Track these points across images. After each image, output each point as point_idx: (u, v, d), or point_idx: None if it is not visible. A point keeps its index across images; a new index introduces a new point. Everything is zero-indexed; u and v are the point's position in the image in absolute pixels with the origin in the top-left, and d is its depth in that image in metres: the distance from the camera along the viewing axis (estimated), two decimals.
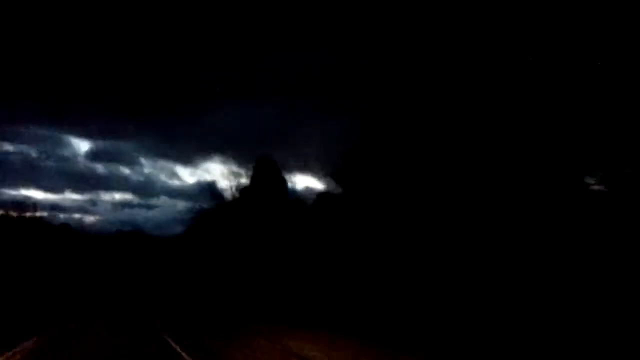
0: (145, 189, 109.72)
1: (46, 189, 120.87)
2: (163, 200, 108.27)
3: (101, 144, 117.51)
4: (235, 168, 41.57)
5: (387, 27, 23.35)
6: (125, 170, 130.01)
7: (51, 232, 43.49)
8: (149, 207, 78.08)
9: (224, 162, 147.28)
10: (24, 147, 70.93)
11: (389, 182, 22.97)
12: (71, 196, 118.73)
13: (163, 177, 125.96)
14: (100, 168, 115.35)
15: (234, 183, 39.61)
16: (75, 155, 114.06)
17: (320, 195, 31.72)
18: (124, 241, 58.55)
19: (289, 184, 37.37)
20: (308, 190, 37.20)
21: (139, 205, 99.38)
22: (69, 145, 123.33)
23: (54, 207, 69.69)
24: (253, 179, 37.96)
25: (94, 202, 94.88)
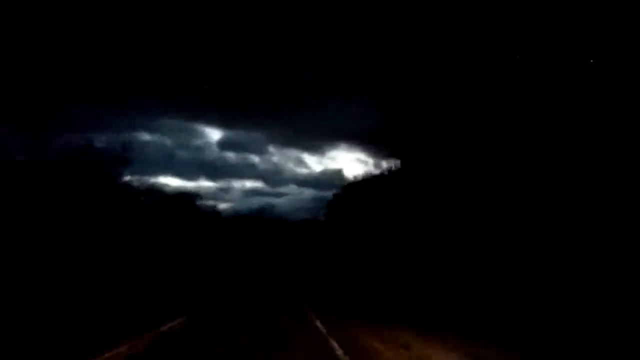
0: (274, 177, 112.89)
1: (181, 176, 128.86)
2: (291, 188, 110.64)
3: (232, 133, 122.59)
4: (362, 156, 41.20)
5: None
6: (255, 159, 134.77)
7: (191, 217, 45.73)
8: (278, 195, 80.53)
9: (350, 150, 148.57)
10: (159, 137, 75.50)
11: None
12: (205, 184, 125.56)
13: (291, 165, 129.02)
14: (231, 156, 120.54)
15: (361, 171, 39.70)
16: (207, 144, 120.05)
17: None
18: (256, 226, 60.80)
19: None
20: None
21: (268, 194, 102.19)
22: (201, 134, 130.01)
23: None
24: None
25: (225, 190, 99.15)
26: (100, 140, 28.13)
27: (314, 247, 55.51)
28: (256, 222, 62.17)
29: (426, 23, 25.39)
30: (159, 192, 40.48)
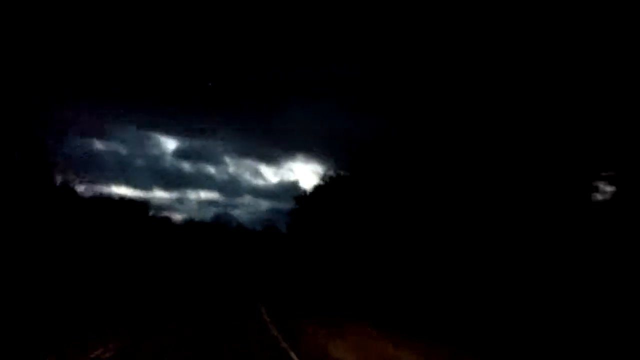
0: (230, 187, 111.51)
1: (136, 186, 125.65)
2: (247, 198, 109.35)
3: (187, 142, 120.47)
4: (317, 168, 41.27)
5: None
6: (211, 169, 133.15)
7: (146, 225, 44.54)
8: (234, 206, 79.35)
9: (306, 162, 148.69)
10: (114, 145, 73.29)
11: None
12: (160, 194, 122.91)
13: (247, 176, 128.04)
14: (187, 167, 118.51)
15: (315, 182, 40.09)
16: (163, 153, 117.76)
17: None
18: (212, 233, 59.84)
19: None
20: None
21: (224, 204, 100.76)
22: (157, 143, 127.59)
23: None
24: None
25: (180, 201, 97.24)
26: (52, 144, 26.91)
27: (270, 254, 55.28)
28: (211, 228, 61.19)
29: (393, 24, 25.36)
30: (109, 201, 39.27)
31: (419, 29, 24.27)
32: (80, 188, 31.70)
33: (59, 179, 28.78)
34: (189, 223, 61.27)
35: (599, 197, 16.03)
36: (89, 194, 33.79)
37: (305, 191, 43.62)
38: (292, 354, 11.02)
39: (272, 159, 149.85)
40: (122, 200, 42.63)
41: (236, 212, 74.37)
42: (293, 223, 47.53)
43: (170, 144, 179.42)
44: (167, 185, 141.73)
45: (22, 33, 20.64)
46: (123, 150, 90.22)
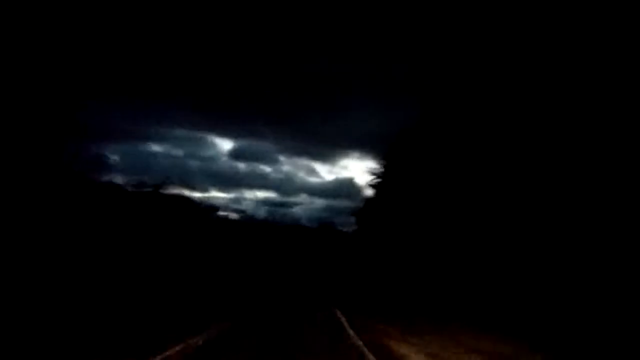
0: (285, 186, 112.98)
1: (193, 187, 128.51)
2: (303, 197, 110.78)
3: (243, 143, 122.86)
4: (373, 165, 41.51)
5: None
6: (266, 169, 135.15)
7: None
8: (290, 205, 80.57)
9: (361, 159, 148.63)
10: (171, 148, 75.70)
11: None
12: (217, 194, 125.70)
13: (302, 175, 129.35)
14: (242, 167, 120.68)
15: (371, 179, 40.21)
16: (219, 154, 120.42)
17: None
18: (269, 230, 60.97)
19: None
20: None
21: (281, 204, 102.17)
22: (212, 145, 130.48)
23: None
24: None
25: (238, 200, 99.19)
26: (113, 150, 28.43)
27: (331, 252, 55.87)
28: (269, 226, 62.54)
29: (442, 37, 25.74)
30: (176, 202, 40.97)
31: (464, 27, 24.56)
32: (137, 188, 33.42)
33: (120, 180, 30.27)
34: (246, 221, 62.74)
35: None
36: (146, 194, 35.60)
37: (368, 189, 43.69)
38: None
39: (326, 157, 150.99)
40: (187, 200, 44.39)
41: (292, 210, 75.58)
42: (359, 222, 47.78)
43: (225, 144, 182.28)
44: (223, 186, 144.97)
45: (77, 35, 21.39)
46: (180, 152, 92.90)
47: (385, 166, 38.95)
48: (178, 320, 15.38)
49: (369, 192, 43.81)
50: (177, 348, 10.57)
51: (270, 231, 61.40)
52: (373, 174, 40.76)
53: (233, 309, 19.84)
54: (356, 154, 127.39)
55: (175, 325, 14.06)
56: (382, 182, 40.14)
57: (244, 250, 52.55)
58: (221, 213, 58.17)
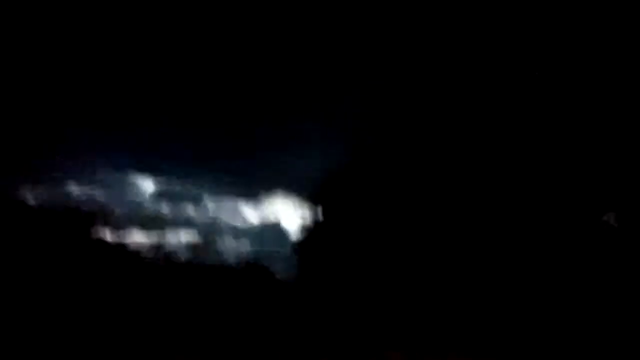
0: (210, 228, 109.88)
1: (114, 230, 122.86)
2: (228, 240, 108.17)
3: (165, 184, 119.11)
4: (299, 207, 41.62)
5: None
6: (191, 212, 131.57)
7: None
8: (215, 249, 78.61)
9: (287, 202, 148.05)
10: (90, 189, 72.54)
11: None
12: (137, 236, 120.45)
13: (226, 217, 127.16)
14: (166, 208, 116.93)
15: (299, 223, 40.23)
16: (140, 196, 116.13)
17: None
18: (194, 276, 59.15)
19: None
20: None
21: (204, 246, 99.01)
22: (135, 187, 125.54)
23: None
24: None
25: (158, 243, 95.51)
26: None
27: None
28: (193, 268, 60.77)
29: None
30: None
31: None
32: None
33: None
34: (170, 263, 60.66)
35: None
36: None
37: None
38: None
39: (252, 199, 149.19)
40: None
41: (218, 254, 73.79)
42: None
43: (148, 186, 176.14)
44: (144, 227, 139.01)
45: None
46: (101, 193, 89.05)
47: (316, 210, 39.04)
48: None
49: (297, 236, 43.79)
50: None
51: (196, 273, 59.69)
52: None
53: None
54: (283, 196, 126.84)
55: None
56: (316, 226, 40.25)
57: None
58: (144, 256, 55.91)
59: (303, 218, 41.01)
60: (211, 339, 31.26)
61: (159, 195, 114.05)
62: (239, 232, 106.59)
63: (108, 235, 41.45)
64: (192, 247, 65.25)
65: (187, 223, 79.15)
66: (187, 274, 60.70)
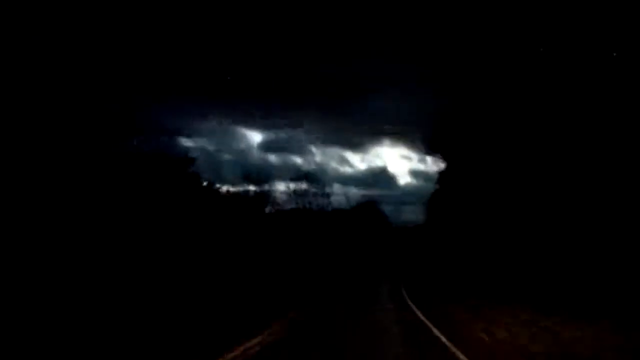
0: (318, 177, 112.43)
1: (225, 181, 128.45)
2: (336, 187, 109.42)
3: (272, 135, 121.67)
4: (405, 152, 40.71)
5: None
6: (297, 160, 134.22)
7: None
8: (324, 196, 79.54)
9: (393, 146, 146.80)
10: (202, 141, 74.95)
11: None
12: (250, 187, 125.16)
13: (334, 165, 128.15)
14: (273, 158, 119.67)
15: (405, 167, 39.62)
16: (249, 147, 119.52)
17: None
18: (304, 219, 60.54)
19: None
20: None
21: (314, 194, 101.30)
22: (243, 137, 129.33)
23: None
24: None
25: (269, 193, 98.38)
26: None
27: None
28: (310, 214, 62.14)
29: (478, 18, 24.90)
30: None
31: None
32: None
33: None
34: (281, 213, 62.01)
35: None
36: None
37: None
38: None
39: (358, 146, 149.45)
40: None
41: (327, 201, 74.66)
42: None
43: (255, 137, 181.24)
44: (255, 179, 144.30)
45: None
46: (210, 146, 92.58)
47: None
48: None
49: (403, 180, 43.89)
50: None
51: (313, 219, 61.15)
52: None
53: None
54: (388, 142, 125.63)
55: None
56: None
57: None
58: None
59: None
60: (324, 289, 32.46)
61: (265, 145, 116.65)
62: (346, 177, 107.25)
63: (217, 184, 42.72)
64: (299, 194, 66.84)
65: (294, 171, 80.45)
66: (296, 220, 62.40)
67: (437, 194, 44.15)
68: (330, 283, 37.60)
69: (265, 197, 54.02)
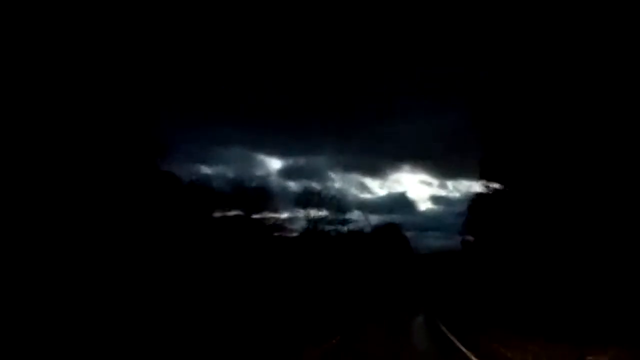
0: (338, 203, 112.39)
1: (245, 208, 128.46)
2: (356, 214, 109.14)
3: (292, 161, 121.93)
4: (426, 177, 40.41)
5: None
6: (317, 186, 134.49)
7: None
8: (343, 222, 79.22)
9: (412, 172, 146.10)
10: (220, 169, 75.17)
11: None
12: (270, 215, 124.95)
13: (354, 191, 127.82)
14: (292, 185, 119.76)
15: (425, 193, 39.25)
16: (268, 174, 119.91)
17: None
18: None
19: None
20: None
21: (334, 221, 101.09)
22: (262, 164, 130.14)
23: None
24: None
25: (290, 220, 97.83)
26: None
27: None
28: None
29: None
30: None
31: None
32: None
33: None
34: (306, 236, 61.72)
35: None
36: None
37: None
38: None
39: (377, 172, 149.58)
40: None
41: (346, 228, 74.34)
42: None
43: (274, 163, 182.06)
44: (276, 206, 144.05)
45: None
46: (230, 172, 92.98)
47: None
48: None
49: (424, 205, 43.33)
50: None
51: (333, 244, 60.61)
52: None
53: None
54: (407, 167, 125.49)
55: None
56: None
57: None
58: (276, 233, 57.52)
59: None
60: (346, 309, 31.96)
61: (285, 172, 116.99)
62: (366, 204, 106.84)
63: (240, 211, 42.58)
64: (321, 220, 66.49)
65: (314, 197, 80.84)
66: (318, 246, 62.11)
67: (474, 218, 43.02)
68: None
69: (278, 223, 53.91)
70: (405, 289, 74.47)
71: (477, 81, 28.01)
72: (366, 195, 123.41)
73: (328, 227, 64.31)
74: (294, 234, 58.18)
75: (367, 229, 69.53)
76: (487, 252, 39.70)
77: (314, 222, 62.71)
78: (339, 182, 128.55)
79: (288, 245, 50.66)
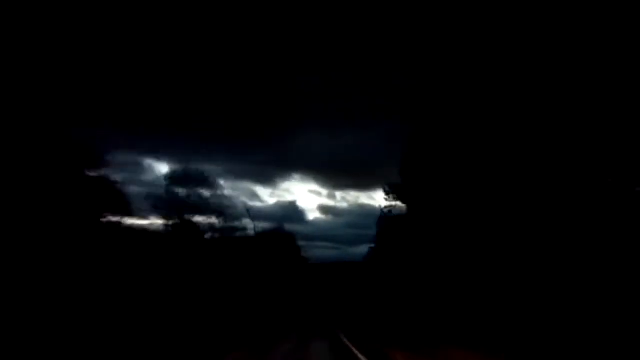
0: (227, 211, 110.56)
1: (132, 214, 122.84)
2: (245, 222, 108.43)
3: (180, 167, 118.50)
4: (315, 187, 41.19)
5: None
6: (206, 193, 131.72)
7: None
8: (232, 230, 77.78)
9: (302, 181, 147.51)
10: (108, 172, 71.63)
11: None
12: (157, 221, 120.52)
13: (243, 199, 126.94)
14: (181, 192, 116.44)
15: (314, 202, 39.94)
16: (156, 179, 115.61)
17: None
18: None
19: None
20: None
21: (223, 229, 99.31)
22: (150, 169, 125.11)
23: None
24: None
25: (177, 227, 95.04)
26: None
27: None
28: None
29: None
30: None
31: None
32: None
33: None
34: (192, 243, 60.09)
35: None
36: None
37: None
38: None
39: (267, 180, 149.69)
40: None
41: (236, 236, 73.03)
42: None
43: (162, 168, 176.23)
44: (163, 212, 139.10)
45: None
46: (118, 177, 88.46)
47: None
48: None
49: (312, 215, 43.84)
50: None
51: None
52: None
53: None
54: (297, 177, 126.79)
55: None
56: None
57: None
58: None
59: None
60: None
61: (173, 177, 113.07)
62: (255, 212, 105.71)
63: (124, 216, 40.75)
64: (209, 226, 64.92)
65: (203, 203, 79.07)
66: (209, 251, 60.56)
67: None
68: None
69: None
70: (304, 302, 73.69)
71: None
72: (256, 203, 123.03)
73: (216, 235, 63.18)
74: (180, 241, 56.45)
75: (252, 234, 69.12)
76: (390, 264, 40.87)
77: (202, 229, 61.31)
78: (229, 189, 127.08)
79: (170, 252, 49.13)
